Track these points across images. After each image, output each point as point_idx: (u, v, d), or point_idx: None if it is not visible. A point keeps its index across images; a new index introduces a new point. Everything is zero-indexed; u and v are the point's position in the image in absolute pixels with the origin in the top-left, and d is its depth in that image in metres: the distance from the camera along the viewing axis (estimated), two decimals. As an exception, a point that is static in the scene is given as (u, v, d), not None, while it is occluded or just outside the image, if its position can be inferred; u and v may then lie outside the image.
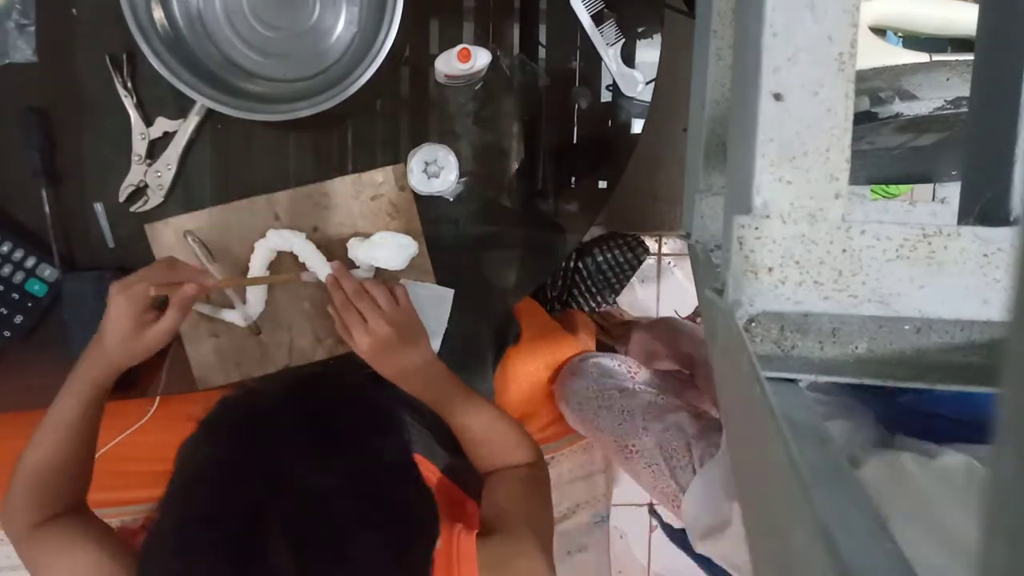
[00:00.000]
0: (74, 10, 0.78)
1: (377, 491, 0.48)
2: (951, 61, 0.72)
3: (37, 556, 0.67)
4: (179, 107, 0.80)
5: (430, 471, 0.86)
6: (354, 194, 0.83)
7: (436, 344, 0.85)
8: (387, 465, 0.51)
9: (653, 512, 0.95)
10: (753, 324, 0.38)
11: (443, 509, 0.81)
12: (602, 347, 1.22)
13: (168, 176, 0.80)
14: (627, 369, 1.02)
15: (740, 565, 0.73)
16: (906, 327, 0.38)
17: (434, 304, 0.85)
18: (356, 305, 0.75)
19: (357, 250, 0.81)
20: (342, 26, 0.81)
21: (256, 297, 0.82)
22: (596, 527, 1.08)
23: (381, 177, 0.84)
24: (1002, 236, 0.36)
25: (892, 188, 1.38)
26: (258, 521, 0.43)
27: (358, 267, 0.83)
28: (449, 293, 0.85)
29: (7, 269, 0.79)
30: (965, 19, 1.01)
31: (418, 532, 0.51)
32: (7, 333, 0.79)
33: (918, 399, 0.65)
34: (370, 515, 0.46)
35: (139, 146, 0.79)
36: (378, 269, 0.83)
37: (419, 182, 0.80)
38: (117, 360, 0.68)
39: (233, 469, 0.46)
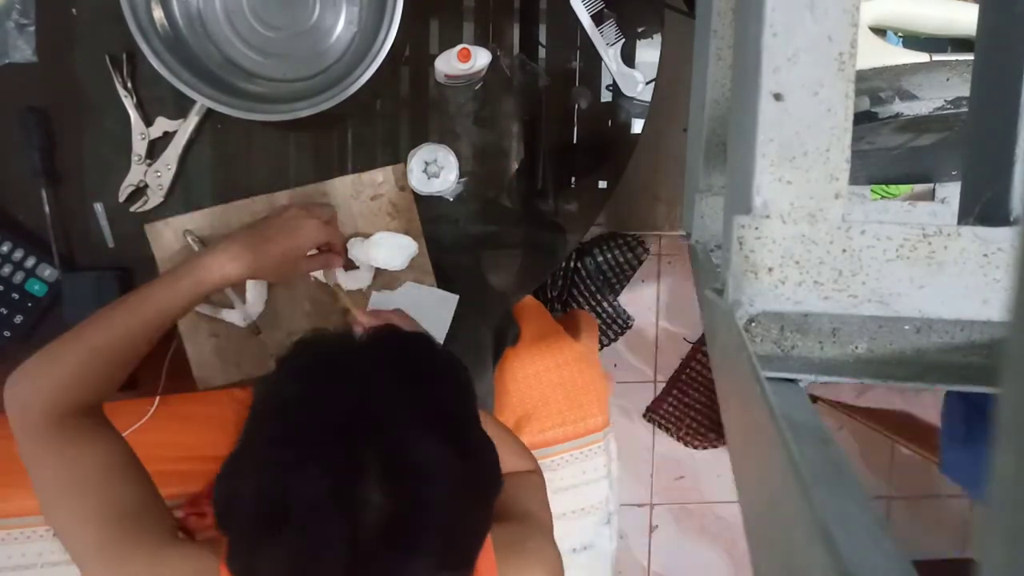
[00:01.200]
0: (74, 10, 0.78)
1: (456, 425, 0.49)
2: (951, 61, 0.72)
3: (49, 452, 0.59)
4: (179, 107, 0.80)
5: None
6: (354, 194, 0.83)
7: None
8: (462, 408, 0.52)
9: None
10: (753, 324, 0.38)
11: None
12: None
13: (168, 176, 0.80)
14: None
15: None
16: (906, 327, 0.38)
17: (437, 307, 0.85)
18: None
19: (357, 250, 0.81)
20: (342, 26, 0.81)
21: (256, 297, 0.82)
22: (601, 527, 1.07)
23: (381, 177, 0.84)
24: (1002, 236, 0.36)
25: (891, 188, 1.38)
26: (351, 441, 0.44)
27: (358, 267, 0.83)
28: (453, 299, 0.85)
29: (7, 269, 0.79)
30: (965, 19, 1.01)
31: (488, 476, 0.51)
32: (7, 333, 0.79)
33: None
34: (451, 448, 0.47)
35: (139, 146, 0.79)
36: (378, 269, 0.83)
37: (419, 182, 0.80)
38: (264, 270, 0.70)
39: (324, 393, 0.47)
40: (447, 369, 0.54)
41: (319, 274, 0.82)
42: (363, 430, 0.45)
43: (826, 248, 0.37)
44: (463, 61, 0.75)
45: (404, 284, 0.85)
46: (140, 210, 0.81)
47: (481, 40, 0.84)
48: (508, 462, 0.79)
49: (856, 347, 0.38)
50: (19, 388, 0.62)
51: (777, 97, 0.36)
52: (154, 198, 0.81)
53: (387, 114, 0.84)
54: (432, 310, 0.85)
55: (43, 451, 0.60)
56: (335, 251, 0.78)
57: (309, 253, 0.75)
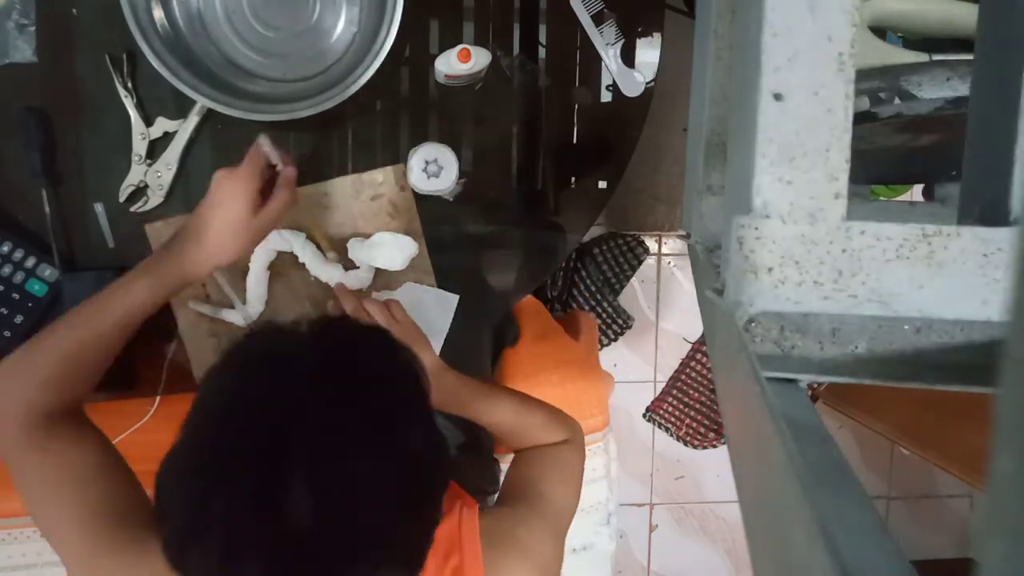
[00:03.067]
0: (74, 10, 0.78)
1: (394, 433, 0.48)
2: (951, 61, 0.72)
3: (30, 454, 0.59)
4: (179, 107, 0.80)
5: None
6: (354, 194, 0.83)
7: (437, 345, 0.85)
8: (403, 407, 0.51)
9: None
10: (753, 324, 0.38)
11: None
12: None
13: (168, 176, 0.80)
14: None
15: None
16: (906, 327, 0.38)
17: (438, 307, 0.85)
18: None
19: (357, 250, 0.81)
20: (342, 26, 0.81)
21: (256, 297, 0.82)
22: (601, 527, 1.07)
23: (381, 177, 0.84)
24: (1002, 236, 0.36)
25: (889, 188, 1.38)
26: (278, 451, 0.43)
27: (358, 267, 0.83)
28: (453, 299, 0.85)
29: (7, 269, 0.79)
30: (965, 19, 1.00)
31: (431, 478, 0.51)
32: (7, 333, 0.79)
33: None
34: (386, 457, 0.46)
35: (139, 146, 0.79)
36: (378, 269, 0.83)
37: (419, 180, 0.80)
38: (223, 252, 0.65)
39: (256, 400, 0.46)
40: (393, 369, 0.52)
41: (319, 272, 0.82)
42: (292, 441, 0.44)
43: (826, 248, 0.37)
44: (463, 61, 0.75)
45: (404, 284, 0.85)
46: (140, 210, 0.81)
47: (481, 40, 0.84)
48: (535, 435, 0.78)
49: (856, 347, 0.38)
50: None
51: (777, 97, 0.36)
52: (154, 198, 0.81)
53: (387, 114, 0.84)
54: (432, 310, 0.85)
55: (22, 454, 0.60)
56: (286, 170, 0.69)
57: (258, 200, 0.67)
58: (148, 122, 0.80)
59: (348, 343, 0.52)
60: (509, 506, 0.69)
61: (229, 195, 0.65)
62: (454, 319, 0.86)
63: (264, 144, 0.68)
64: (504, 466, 0.98)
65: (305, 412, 0.45)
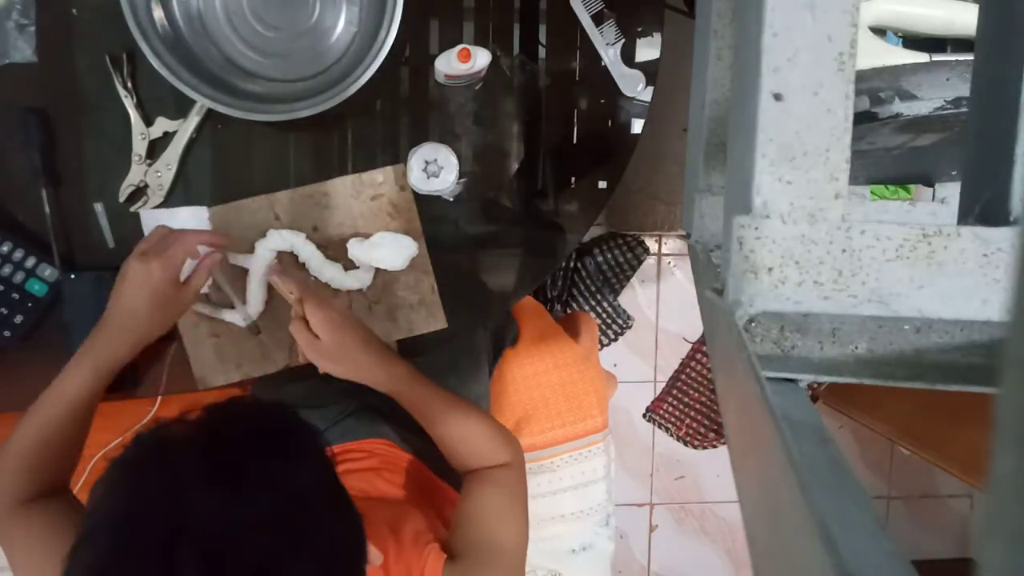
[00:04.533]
0: (74, 10, 0.78)
1: (292, 523, 0.46)
2: (951, 61, 0.72)
3: (16, 534, 0.65)
4: (179, 107, 0.80)
5: (400, 457, 0.85)
6: (354, 194, 0.83)
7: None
8: (302, 495, 0.49)
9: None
10: (753, 324, 0.38)
11: (415, 495, 0.81)
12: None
13: (168, 176, 0.80)
14: None
15: None
16: (906, 327, 0.38)
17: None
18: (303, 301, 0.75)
19: (357, 250, 0.81)
20: (342, 26, 0.81)
21: (256, 297, 0.82)
22: (601, 528, 1.07)
23: (381, 177, 0.84)
24: (1002, 236, 0.36)
25: (889, 190, 1.38)
26: (168, 561, 0.42)
27: (358, 267, 0.83)
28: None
29: (7, 269, 0.79)
30: (965, 19, 1.00)
31: (339, 561, 0.50)
32: (7, 333, 0.79)
33: None
34: (284, 549, 0.45)
35: (139, 146, 0.79)
36: (378, 269, 0.83)
37: (419, 180, 0.80)
38: (150, 329, 0.69)
39: (140, 509, 0.45)
40: (295, 451, 0.51)
41: (319, 272, 0.82)
42: (182, 548, 0.42)
43: (826, 248, 0.37)
44: (463, 61, 0.75)
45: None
46: (140, 210, 0.81)
47: (481, 40, 0.84)
48: (481, 456, 0.77)
49: (856, 347, 0.38)
50: None
51: (777, 97, 0.36)
52: (154, 198, 0.81)
53: (387, 114, 0.84)
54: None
55: (8, 539, 0.66)
56: (204, 256, 0.72)
57: (183, 277, 0.71)
58: (148, 122, 0.80)
59: (236, 432, 0.50)
60: (466, 559, 0.68)
61: (153, 281, 0.68)
62: (453, 319, 0.86)
63: (168, 233, 0.71)
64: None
65: (191, 517, 0.44)
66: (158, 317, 0.69)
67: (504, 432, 0.80)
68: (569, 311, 1.58)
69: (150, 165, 0.80)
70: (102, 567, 0.44)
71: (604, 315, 1.62)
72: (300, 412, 0.55)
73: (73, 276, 0.79)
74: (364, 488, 0.79)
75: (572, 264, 1.58)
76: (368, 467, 0.82)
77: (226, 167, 0.83)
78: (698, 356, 1.71)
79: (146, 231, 0.80)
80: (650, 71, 0.87)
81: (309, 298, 0.73)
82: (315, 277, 0.83)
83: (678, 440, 1.74)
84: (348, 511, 0.52)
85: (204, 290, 0.82)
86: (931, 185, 0.94)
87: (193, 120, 0.80)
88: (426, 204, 0.84)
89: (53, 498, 0.67)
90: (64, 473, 0.70)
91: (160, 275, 0.68)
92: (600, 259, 1.59)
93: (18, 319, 0.80)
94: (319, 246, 0.82)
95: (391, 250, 0.81)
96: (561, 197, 0.88)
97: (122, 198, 0.80)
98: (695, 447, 1.73)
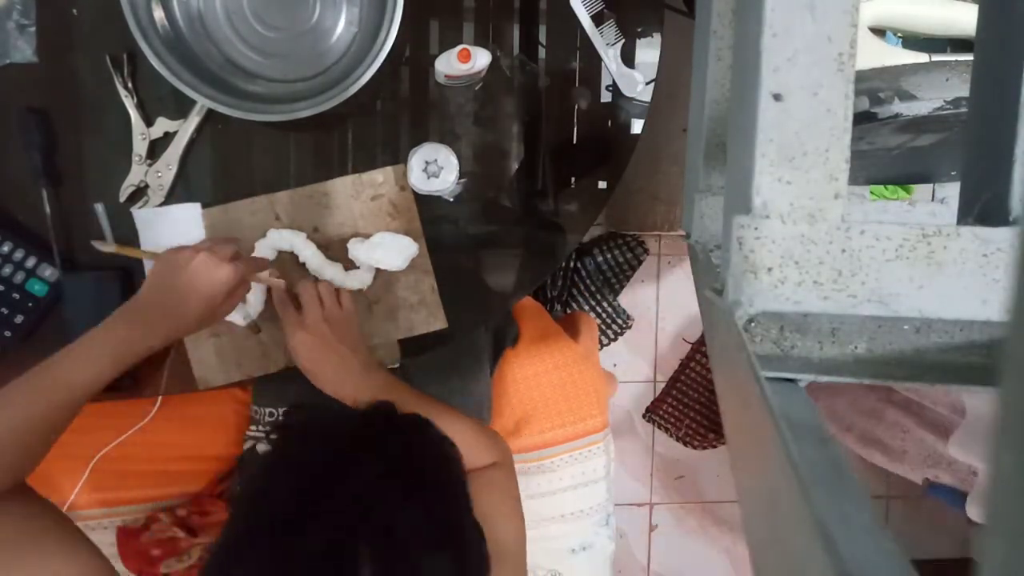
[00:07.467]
0: (74, 10, 0.78)
1: (448, 524, 0.50)
2: (951, 61, 0.72)
3: None
4: (179, 107, 0.80)
5: None
6: (354, 194, 0.83)
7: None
8: (453, 498, 0.52)
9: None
10: (753, 324, 0.38)
11: None
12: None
13: (169, 176, 0.80)
14: None
15: None
16: (906, 327, 0.38)
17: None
18: (299, 296, 0.76)
19: (357, 250, 0.81)
20: (342, 26, 0.81)
21: (256, 296, 0.82)
22: (601, 528, 1.07)
23: (381, 177, 0.84)
24: (1002, 236, 0.36)
25: (890, 190, 1.38)
26: (347, 552, 0.43)
27: (358, 267, 0.83)
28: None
29: (7, 269, 0.79)
30: (965, 19, 1.01)
31: (479, 562, 0.52)
32: (7, 333, 0.80)
33: None
34: (444, 548, 0.47)
35: (139, 146, 0.79)
36: (378, 269, 0.83)
37: (419, 180, 0.80)
38: (187, 325, 0.66)
39: (319, 509, 0.46)
40: (440, 459, 0.54)
41: (319, 272, 0.82)
42: (361, 541, 0.44)
43: (825, 248, 0.37)
44: (463, 61, 0.75)
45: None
46: (133, 210, 0.81)
47: (481, 40, 0.84)
48: (469, 458, 0.77)
49: (856, 347, 0.38)
50: None
51: (777, 97, 0.36)
52: (155, 198, 0.81)
53: (387, 114, 0.84)
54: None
55: None
56: (243, 284, 0.72)
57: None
58: (148, 122, 0.80)
59: (402, 436, 0.54)
60: None
61: (217, 278, 0.66)
62: (452, 319, 0.86)
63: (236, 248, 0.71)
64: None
65: (370, 515, 0.46)
66: (201, 316, 0.66)
67: (488, 432, 0.80)
68: (569, 311, 1.58)
69: (150, 165, 0.80)
70: (276, 555, 0.44)
71: (604, 315, 1.62)
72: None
73: (73, 276, 0.79)
74: None
75: (572, 264, 1.58)
76: None
77: (226, 167, 0.83)
78: (698, 356, 1.71)
79: (140, 230, 0.80)
80: (650, 71, 0.87)
81: (283, 319, 0.75)
82: (315, 277, 0.83)
83: (678, 440, 1.74)
84: (475, 519, 0.54)
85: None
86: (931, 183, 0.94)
87: (193, 120, 0.80)
88: (426, 204, 0.84)
89: (19, 496, 0.59)
90: (34, 465, 0.62)
91: (226, 278, 0.66)
92: (600, 259, 1.59)
93: (18, 319, 0.80)
94: (319, 246, 0.82)
95: (391, 250, 0.81)
96: (561, 197, 0.88)
97: (122, 198, 0.80)
98: (695, 447, 1.73)
